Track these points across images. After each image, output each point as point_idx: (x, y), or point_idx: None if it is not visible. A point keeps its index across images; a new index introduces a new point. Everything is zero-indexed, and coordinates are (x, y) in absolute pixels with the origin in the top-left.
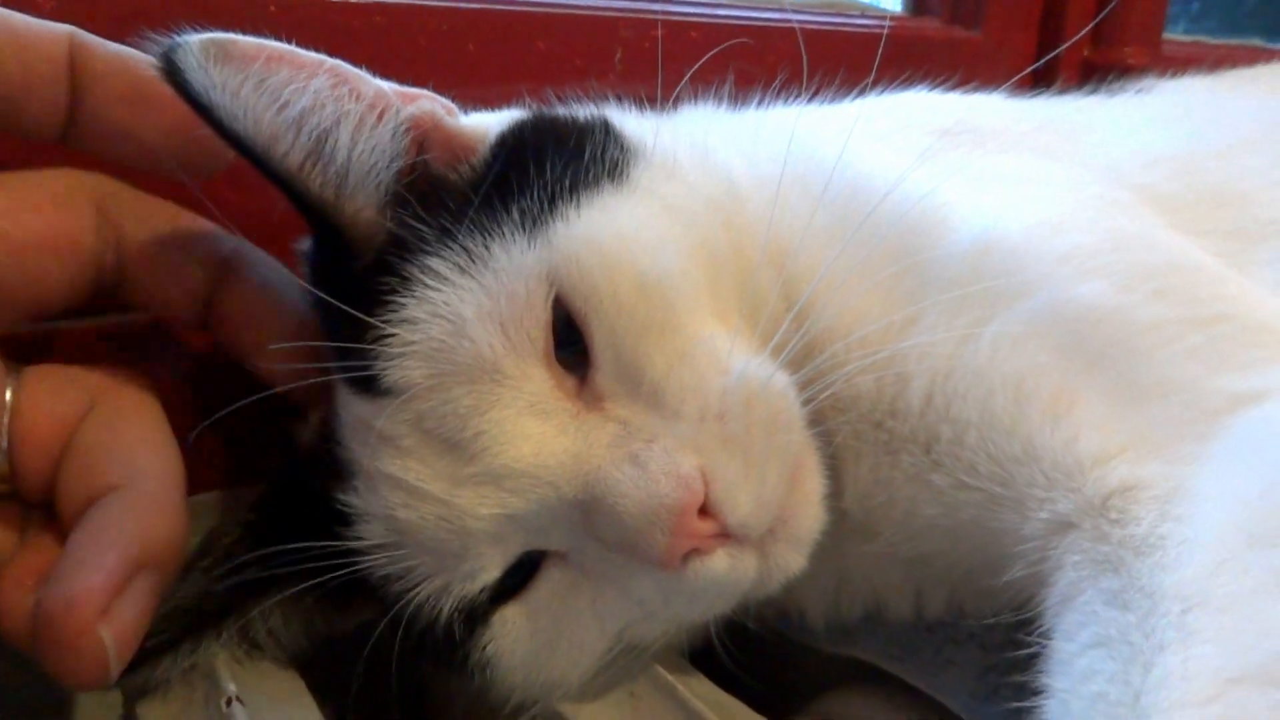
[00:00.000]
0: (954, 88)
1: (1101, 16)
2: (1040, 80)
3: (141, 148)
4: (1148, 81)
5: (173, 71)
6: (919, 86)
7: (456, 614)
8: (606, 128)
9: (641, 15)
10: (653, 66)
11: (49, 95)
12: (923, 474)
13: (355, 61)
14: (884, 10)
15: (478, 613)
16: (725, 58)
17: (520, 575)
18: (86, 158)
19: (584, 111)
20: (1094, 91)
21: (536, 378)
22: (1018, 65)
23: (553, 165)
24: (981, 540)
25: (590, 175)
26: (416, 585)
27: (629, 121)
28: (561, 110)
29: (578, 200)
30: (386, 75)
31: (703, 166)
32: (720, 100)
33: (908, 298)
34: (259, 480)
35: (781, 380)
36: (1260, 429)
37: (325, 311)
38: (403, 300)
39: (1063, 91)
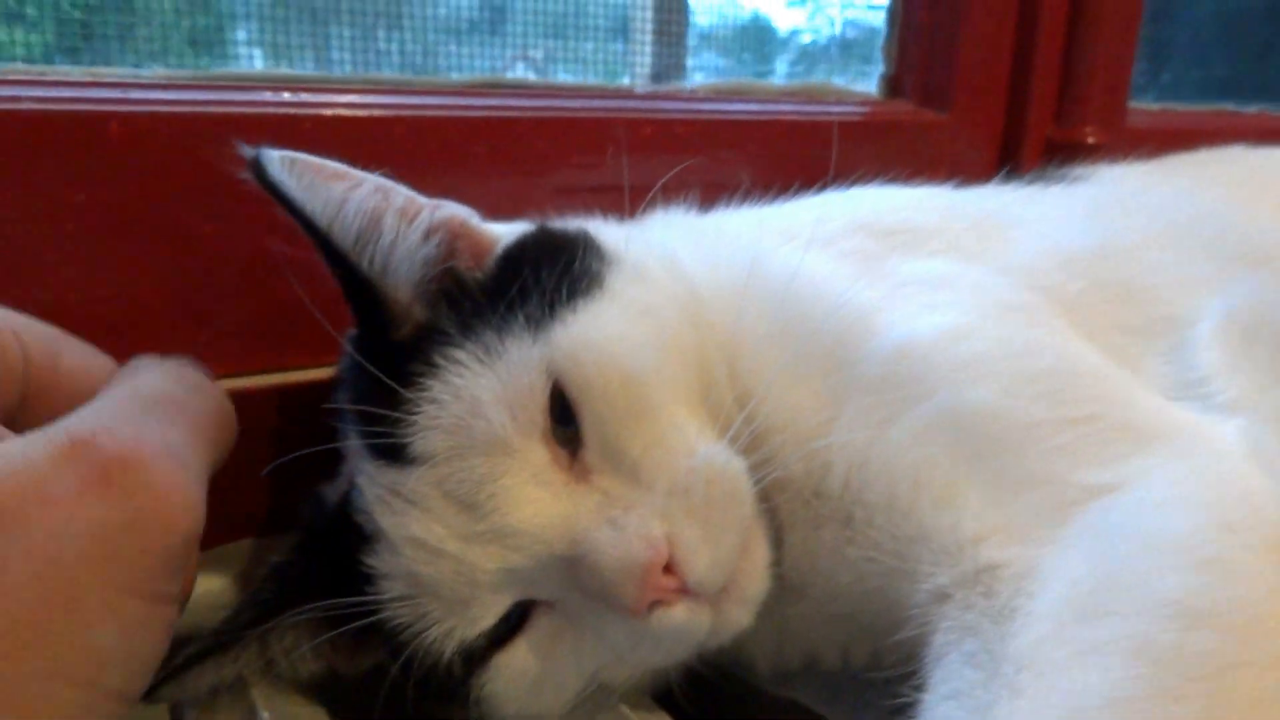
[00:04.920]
0: (918, 175)
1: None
2: (1007, 158)
3: None
4: (1084, 170)
5: (259, 170)
6: (875, 182)
7: (456, 655)
8: (588, 241)
9: (630, 115)
10: (644, 156)
11: None
12: (840, 547)
13: (382, 165)
14: (862, 94)
15: (475, 655)
16: (708, 147)
17: (511, 622)
18: None
19: (573, 225)
20: (1036, 180)
21: (538, 453)
22: (987, 145)
23: (548, 274)
24: (884, 604)
25: (579, 284)
26: (425, 630)
27: (606, 232)
28: (557, 225)
29: (572, 305)
30: (411, 177)
31: (670, 272)
32: (689, 204)
33: (834, 398)
34: (287, 531)
35: (737, 464)
36: (1100, 519)
37: (359, 383)
38: (430, 382)
39: (1019, 175)
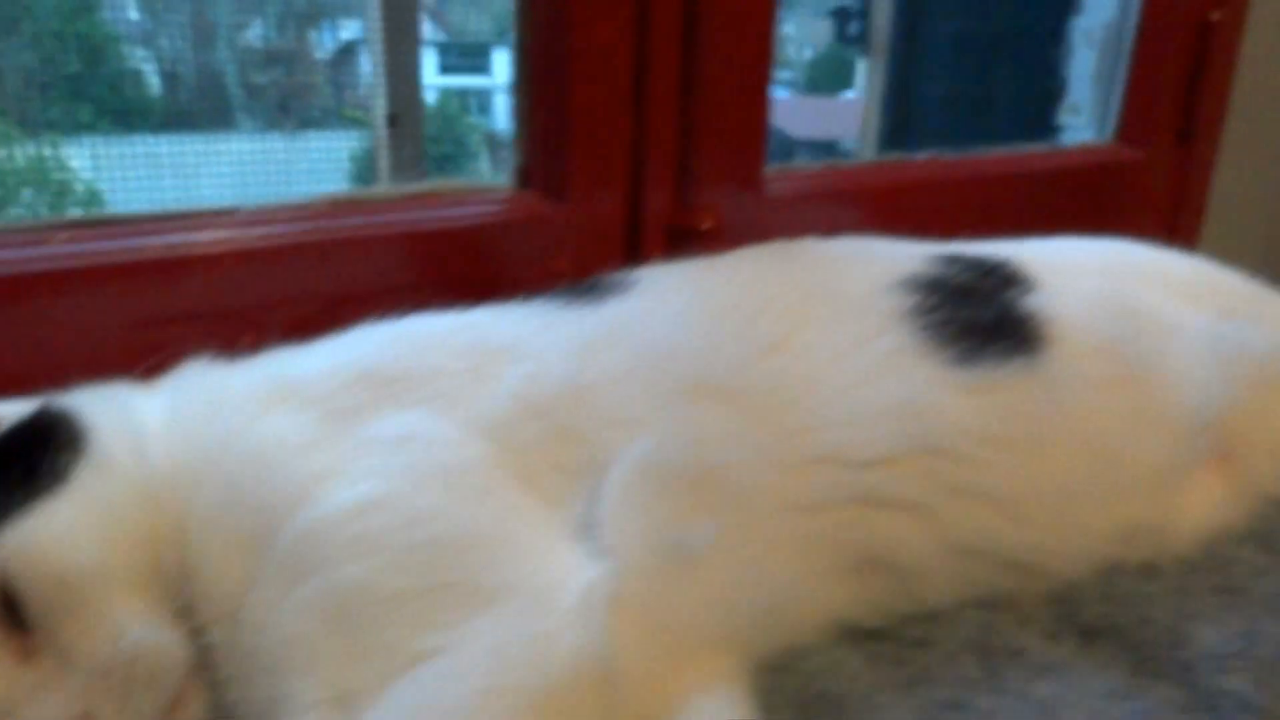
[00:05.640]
0: (546, 272)
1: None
2: (632, 250)
3: None
4: (628, 279)
5: None
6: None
7: None
8: (67, 429)
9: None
10: (246, 287)
11: None
12: (233, 703)
13: None
14: (499, 189)
15: None
16: (321, 266)
17: None
18: None
19: (72, 403)
20: (573, 296)
21: None
22: (610, 237)
23: (16, 473)
24: None
25: (41, 482)
26: None
27: (88, 411)
28: (53, 406)
29: (30, 505)
30: None
31: (135, 452)
32: (228, 354)
33: (257, 568)
34: None
35: (165, 639)
36: (409, 682)
37: None
38: None
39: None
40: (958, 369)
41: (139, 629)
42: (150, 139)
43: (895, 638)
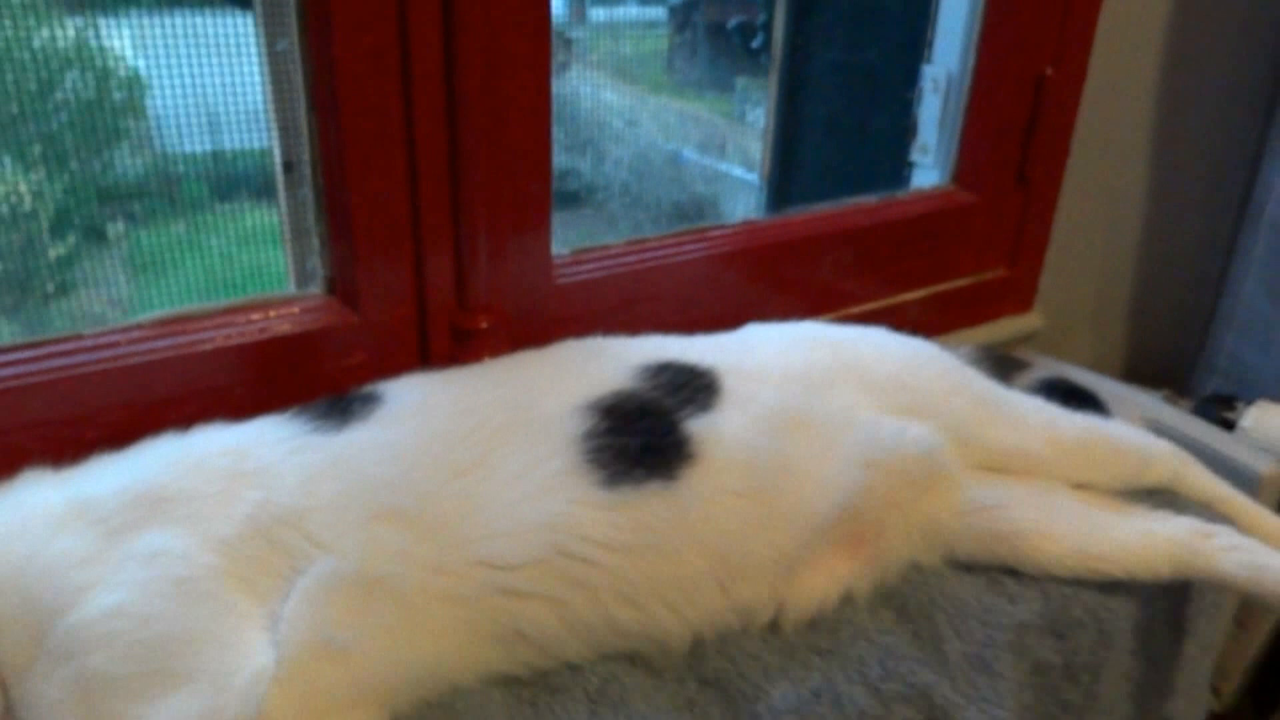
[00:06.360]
0: (349, 377)
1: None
2: (422, 349)
3: None
4: (367, 399)
5: None
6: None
7: None
8: None
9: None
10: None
11: None
12: None
13: None
14: (308, 299)
15: None
16: (147, 389)
17: None
18: None
19: None
20: (325, 417)
21: None
22: (403, 337)
23: None
24: None
25: None
26: None
27: None
28: None
29: None
30: None
31: None
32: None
33: (35, 656)
34: None
35: None
36: None
37: None
38: None
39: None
40: (603, 489)
41: None
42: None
43: (536, 684)
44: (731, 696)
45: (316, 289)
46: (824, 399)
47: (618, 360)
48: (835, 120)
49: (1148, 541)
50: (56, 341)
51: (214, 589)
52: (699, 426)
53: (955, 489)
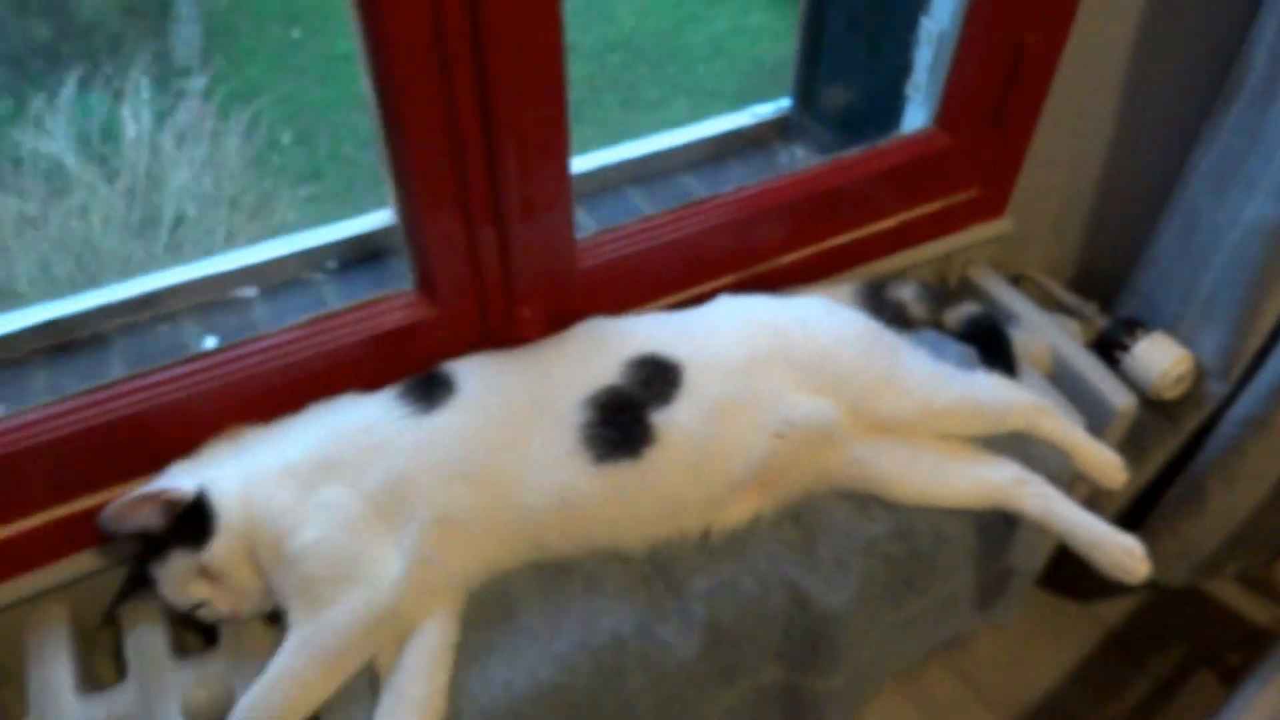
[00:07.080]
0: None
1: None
2: (484, 335)
3: None
4: (446, 380)
5: None
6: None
7: None
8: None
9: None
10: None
11: None
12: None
13: None
14: (403, 290)
15: None
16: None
17: None
18: None
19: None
20: (421, 396)
21: None
22: (470, 324)
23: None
24: None
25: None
26: None
27: (216, 488)
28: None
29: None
30: None
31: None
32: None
33: (278, 564)
34: None
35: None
36: (325, 612)
37: None
38: None
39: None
40: (593, 465)
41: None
42: None
43: (552, 567)
44: (670, 579)
45: (409, 286)
46: (757, 383)
47: (613, 354)
48: (855, 45)
49: (976, 485)
50: (242, 344)
51: (366, 525)
52: (660, 418)
53: (842, 448)
